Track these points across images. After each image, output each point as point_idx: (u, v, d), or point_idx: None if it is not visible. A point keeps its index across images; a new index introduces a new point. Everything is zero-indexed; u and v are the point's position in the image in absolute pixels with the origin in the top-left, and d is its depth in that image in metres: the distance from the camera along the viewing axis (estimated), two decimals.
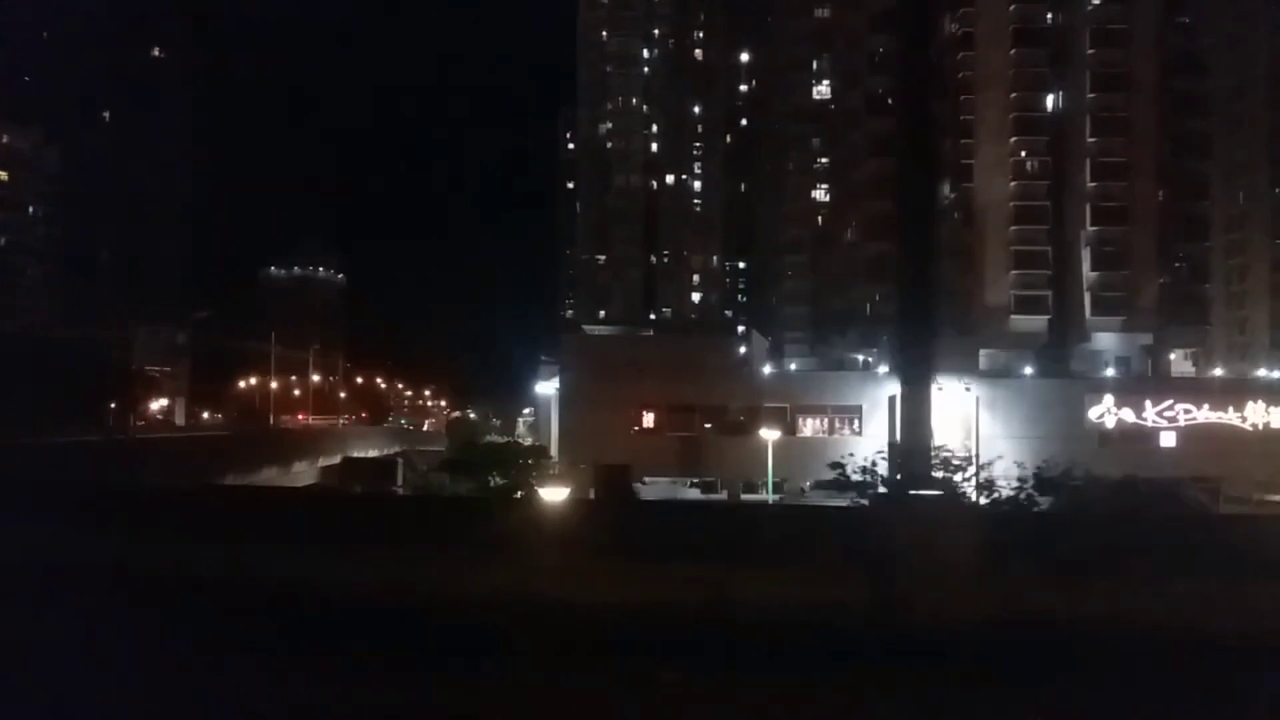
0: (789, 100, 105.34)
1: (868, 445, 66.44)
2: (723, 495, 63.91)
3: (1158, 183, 65.87)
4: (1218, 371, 71.20)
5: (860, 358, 75.97)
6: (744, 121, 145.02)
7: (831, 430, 65.43)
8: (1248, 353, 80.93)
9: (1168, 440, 63.56)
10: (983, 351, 66.63)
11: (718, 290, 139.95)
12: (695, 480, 65.21)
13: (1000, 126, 67.21)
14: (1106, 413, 63.95)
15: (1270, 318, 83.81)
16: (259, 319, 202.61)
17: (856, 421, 65.22)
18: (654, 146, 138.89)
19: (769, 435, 54.72)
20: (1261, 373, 69.98)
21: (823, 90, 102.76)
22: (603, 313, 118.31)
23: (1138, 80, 65.35)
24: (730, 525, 15.52)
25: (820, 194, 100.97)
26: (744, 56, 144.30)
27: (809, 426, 65.78)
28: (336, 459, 68.54)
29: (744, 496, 63.12)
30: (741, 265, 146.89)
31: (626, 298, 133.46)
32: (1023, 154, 66.96)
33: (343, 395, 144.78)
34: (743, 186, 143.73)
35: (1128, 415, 63.71)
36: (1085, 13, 66.66)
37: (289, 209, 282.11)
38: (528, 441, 68.74)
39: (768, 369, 69.25)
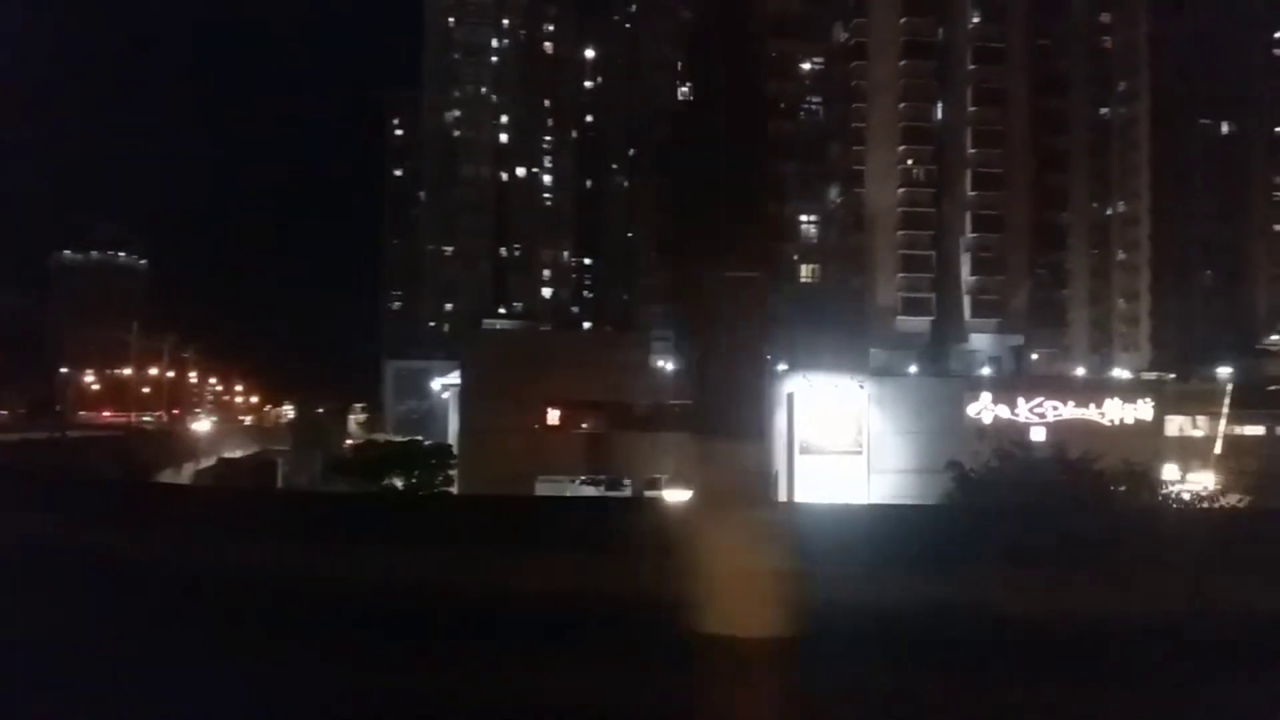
0: (653, 100, 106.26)
1: (770, 441, 68.05)
2: (626, 492, 63.98)
3: (1029, 193, 70.74)
4: (1080, 371, 77.26)
5: None
6: (589, 118, 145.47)
7: None
8: (1109, 353, 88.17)
9: (1038, 434, 68.03)
10: (871, 350, 69.43)
11: (568, 286, 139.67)
12: (585, 478, 64.88)
13: (890, 135, 70.33)
14: (984, 409, 67.87)
15: (1121, 322, 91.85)
16: (54, 305, 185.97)
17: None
18: (504, 138, 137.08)
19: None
20: (1117, 372, 76.21)
21: (686, 91, 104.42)
22: (502, 309, 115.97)
23: (1012, 97, 69.92)
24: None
25: None
26: (591, 52, 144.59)
27: None
28: (213, 460, 64.04)
29: (648, 494, 63.36)
30: (587, 261, 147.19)
31: (476, 290, 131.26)
32: (910, 162, 70.31)
33: (146, 390, 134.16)
34: (589, 183, 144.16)
35: (1003, 411, 67.82)
36: (967, 30, 70.68)
37: (88, 191, 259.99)
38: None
39: (670, 365, 69.54)
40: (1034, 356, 72.82)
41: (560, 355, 66.11)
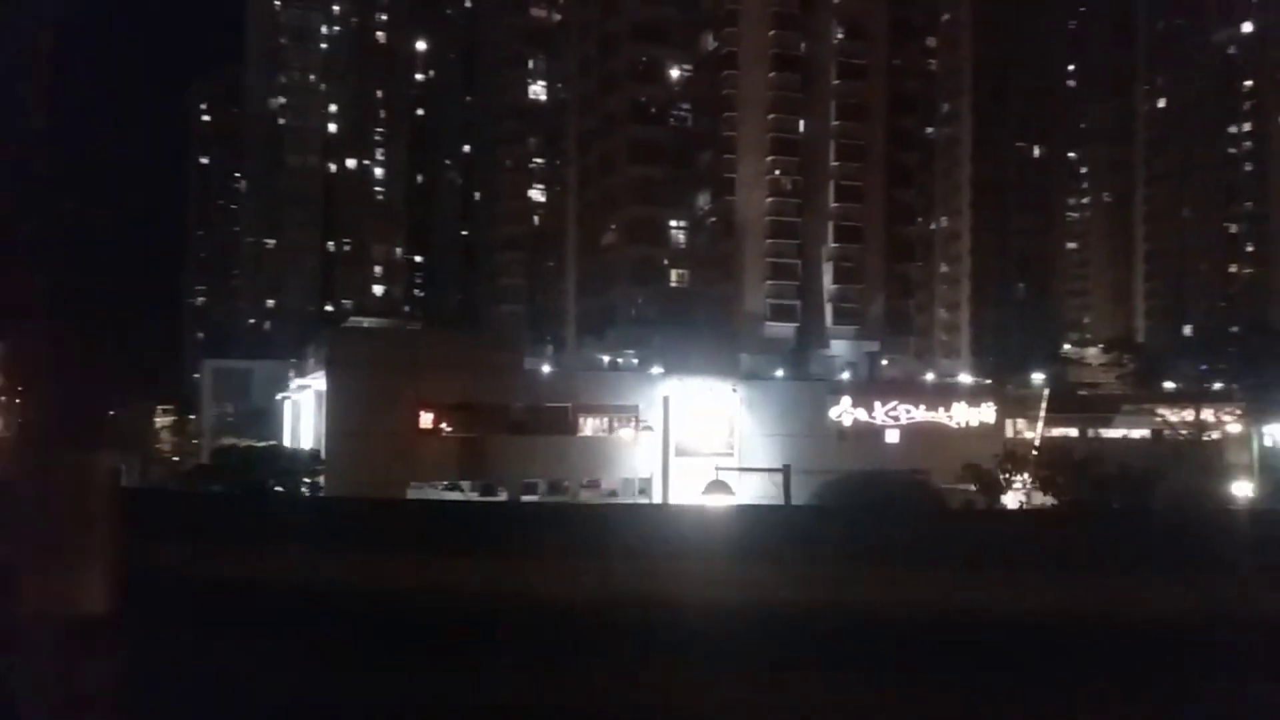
0: (503, 96, 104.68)
1: (643, 444, 68.24)
2: (503, 497, 62.81)
3: (884, 207, 74.18)
4: (930, 376, 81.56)
5: (606, 358, 77.47)
6: (421, 111, 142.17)
7: (611, 429, 66.27)
8: (932, 359, 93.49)
9: (892, 436, 71.45)
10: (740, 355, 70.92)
11: (400, 283, 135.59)
12: (449, 484, 63.32)
13: (759, 144, 71.98)
14: (844, 413, 70.58)
15: (943, 330, 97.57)
16: None
17: (634, 420, 66.61)
18: (333, 127, 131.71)
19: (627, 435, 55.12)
20: (963, 377, 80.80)
21: (537, 89, 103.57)
22: (353, 303, 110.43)
23: (872, 112, 73.09)
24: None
25: (537, 193, 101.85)
26: (423, 45, 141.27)
27: (589, 426, 66.13)
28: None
29: (524, 498, 62.44)
30: (418, 259, 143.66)
31: (302, 285, 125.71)
32: (777, 172, 72.20)
33: None
34: (420, 178, 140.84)
35: (861, 414, 70.78)
36: (832, 46, 73.32)
37: None
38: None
39: (546, 368, 68.63)
40: (884, 362, 76.31)
41: (432, 356, 64.01)
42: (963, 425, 72.65)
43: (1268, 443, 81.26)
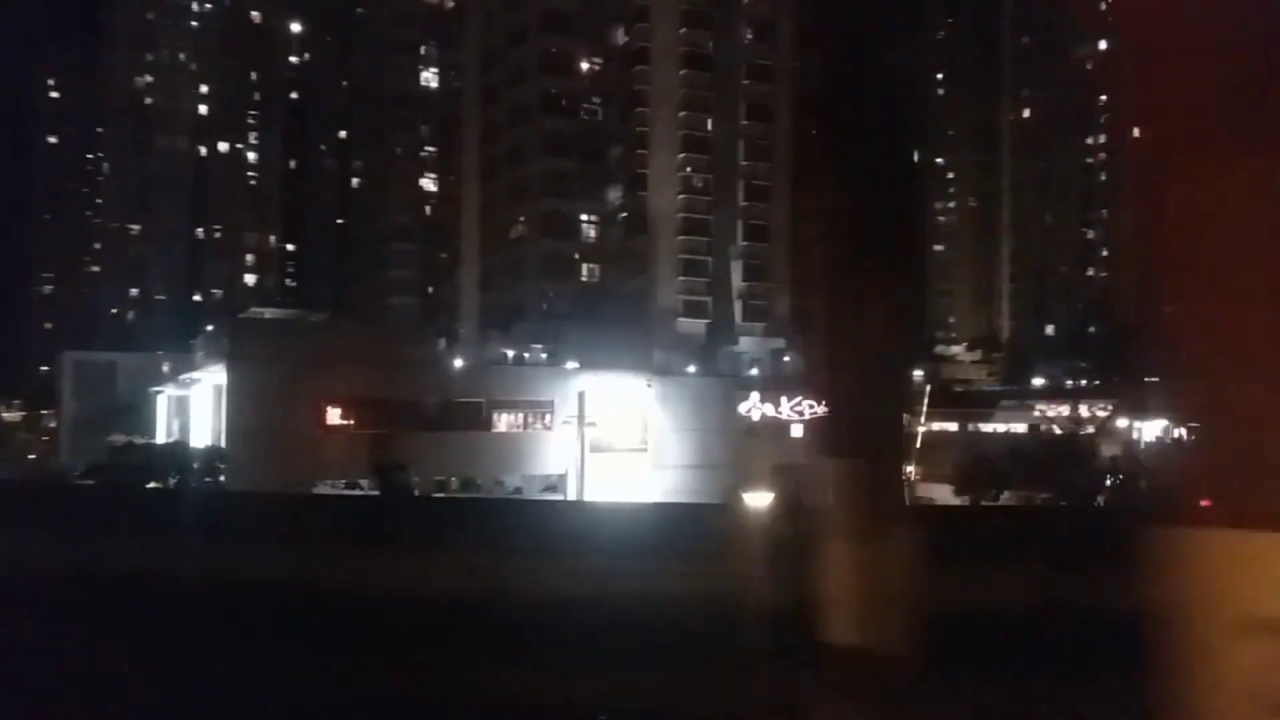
0: (392, 82, 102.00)
1: (559, 440, 68.05)
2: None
3: (791, 206, 75.52)
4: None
5: (510, 353, 76.42)
6: (295, 94, 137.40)
7: (526, 425, 65.43)
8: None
9: (797, 431, 72.99)
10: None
11: (275, 272, 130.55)
12: (348, 482, 61.45)
13: (671, 141, 72.22)
14: (753, 408, 71.71)
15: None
16: None
17: (549, 416, 65.95)
18: (204, 109, 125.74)
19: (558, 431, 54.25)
20: (917, 373, 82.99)
21: (429, 76, 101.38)
22: (224, 293, 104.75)
23: (779, 114, 74.30)
24: None
25: (429, 182, 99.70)
26: (299, 26, 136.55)
27: (504, 421, 65.12)
28: None
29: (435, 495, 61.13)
30: (292, 248, 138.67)
31: (167, 274, 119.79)
32: (689, 170, 72.63)
33: None
34: (294, 163, 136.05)
35: (769, 409, 72.03)
36: (741, 46, 74.19)
37: None
38: None
39: (459, 362, 67.14)
40: (786, 359, 77.86)
41: (340, 349, 61.71)
42: None
43: (1134, 436, 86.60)
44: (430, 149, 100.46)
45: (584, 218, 74.13)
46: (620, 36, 74.49)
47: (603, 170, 74.55)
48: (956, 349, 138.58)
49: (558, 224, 72.17)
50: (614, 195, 74.54)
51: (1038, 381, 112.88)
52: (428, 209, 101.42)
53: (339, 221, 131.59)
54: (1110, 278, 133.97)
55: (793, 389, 73.48)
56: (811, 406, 74.18)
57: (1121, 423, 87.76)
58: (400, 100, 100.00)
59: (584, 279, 73.56)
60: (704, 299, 72.75)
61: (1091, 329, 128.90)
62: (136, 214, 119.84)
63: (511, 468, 65.01)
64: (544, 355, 74.09)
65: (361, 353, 62.15)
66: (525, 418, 66.09)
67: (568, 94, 72.99)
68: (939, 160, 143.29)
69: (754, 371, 73.67)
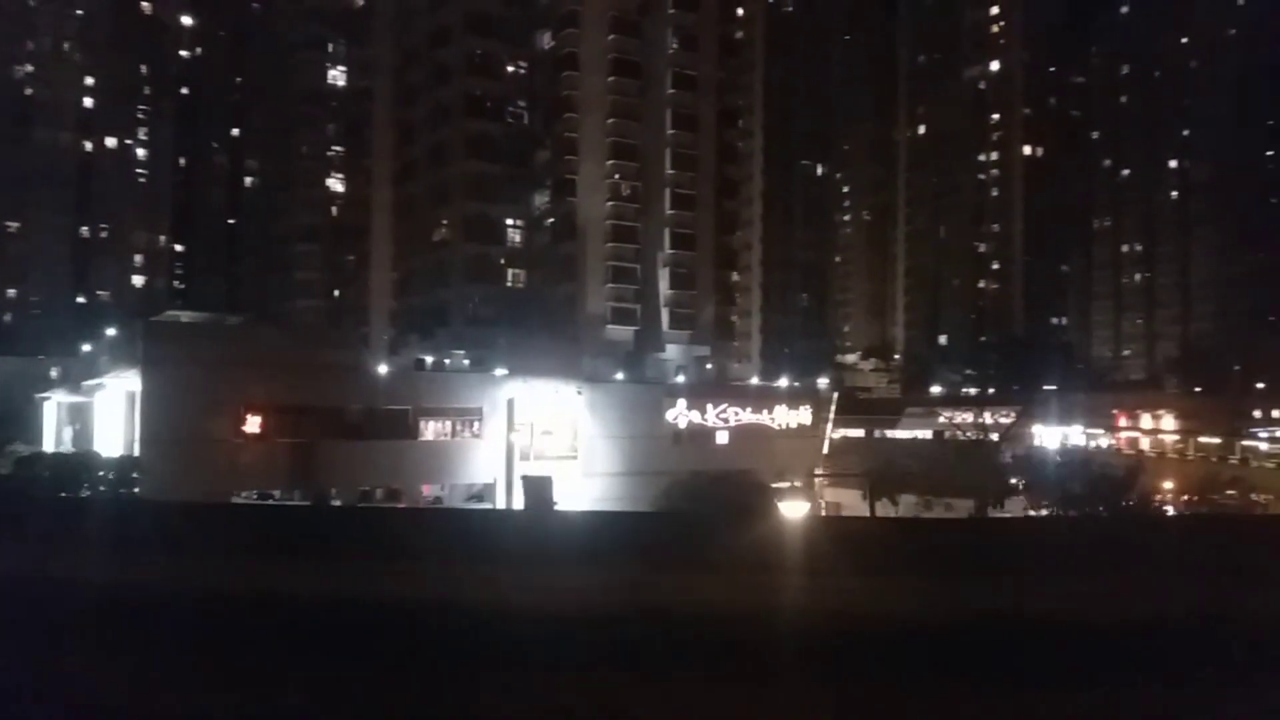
0: (297, 80, 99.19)
1: (488, 448, 67.24)
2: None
3: (715, 216, 76.28)
4: (755, 379, 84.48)
5: (428, 358, 74.93)
6: (185, 90, 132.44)
7: (453, 433, 64.16)
8: (748, 363, 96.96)
9: (722, 438, 73.68)
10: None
11: (164, 274, 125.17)
12: (259, 493, 59.35)
13: (600, 148, 71.97)
14: (680, 415, 72.04)
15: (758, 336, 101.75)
16: None
17: (477, 424, 64.84)
18: (89, 102, 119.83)
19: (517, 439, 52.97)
20: (783, 382, 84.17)
21: (336, 75, 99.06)
22: (110, 294, 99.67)
23: (704, 124, 74.97)
24: None
25: (335, 183, 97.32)
26: (188, 19, 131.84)
27: (430, 429, 63.71)
28: None
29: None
30: (180, 248, 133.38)
31: (51, 274, 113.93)
32: (617, 177, 72.49)
33: None
34: (183, 160, 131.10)
35: (695, 417, 72.45)
36: (667, 55, 74.52)
37: None
38: None
39: (384, 368, 65.35)
40: (709, 366, 78.54)
41: (261, 354, 59.33)
42: (784, 426, 75.96)
43: (1037, 441, 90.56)
44: (338, 149, 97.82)
45: (510, 222, 73.23)
46: (547, 41, 73.97)
47: (529, 174, 73.84)
48: (852, 357, 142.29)
49: (483, 228, 71.10)
50: (540, 200, 73.91)
51: (935, 389, 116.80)
52: (334, 210, 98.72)
53: (231, 222, 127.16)
54: (1000, 289, 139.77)
55: (718, 396, 74.15)
56: (736, 413, 75.18)
57: (1025, 428, 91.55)
58: (307, 98, 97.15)
59: (510, 284, 72.64)
60: (632, 306, 72.68)
61: (982, 338, 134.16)
62: (15, 211, 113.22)
63: (439, 477, 63.66)
64: (466, 361, 72.87)
65: (283, 357, 59.99)
66: (453, 426, 64.77)
67: (493, 96, 72.06)
68: (837, 175, 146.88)
69: (680, 379, 74.01)
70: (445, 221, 73.12)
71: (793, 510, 20.66)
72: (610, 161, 72.12)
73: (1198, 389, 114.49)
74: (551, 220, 73.12)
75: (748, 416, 74.86)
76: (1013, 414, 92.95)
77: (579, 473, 67.32)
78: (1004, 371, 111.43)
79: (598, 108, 71.95)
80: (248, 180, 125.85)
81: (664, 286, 74.10)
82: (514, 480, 64.64)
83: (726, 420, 74.01)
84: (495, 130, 71.64)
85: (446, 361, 73.41)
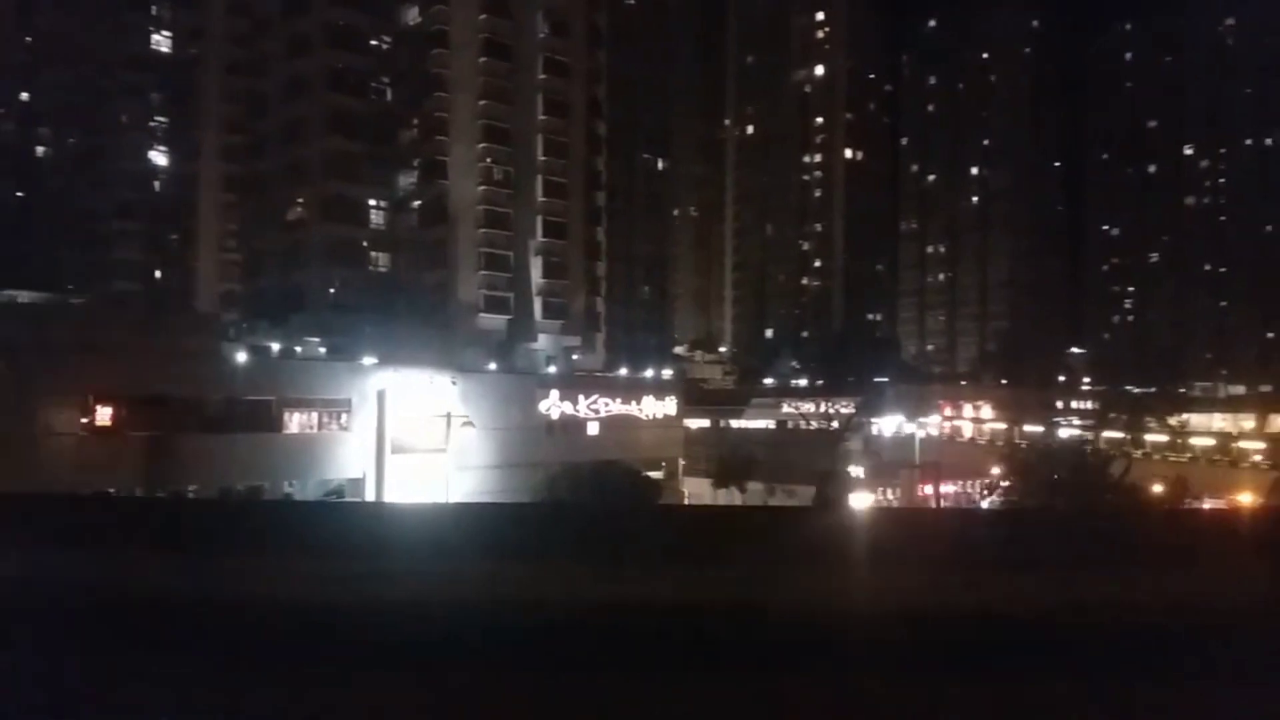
0: (110, 45, 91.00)
1: (356, 441, 64.79)
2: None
3: (584, 205, 75.28)
4: (623, 370, 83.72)
5: (276, 345, 70.48)
6: None
7: (320, 425, 60.67)
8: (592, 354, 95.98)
9: (593, 429, 73.27)
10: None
11: None
12: (95, 493, 54.36)
13: (471, 130, 69.46)
14: (553, 406, 71.08)
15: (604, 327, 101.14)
16: None
17: (345, 416, 61.60)
18: None
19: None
20: (649, 373, 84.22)
21: (160, 41, 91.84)
22: None
23: (575, 111, 73.79)
24: None
25: (159, 156, 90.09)
26: None
27: (295, 422, 59.95)
28: None
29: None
30: None
31: None
32: (489, 160, 70.19)
33: None
34: None
35: (567, 408, 71.70)
36: (538, 40, 72.86)
37: None
38: None
39: (242, 356, 60.75)
40: (575, 357, 77.73)
41: (110, 339, 53.97)
42: (651, 417, 76.27)
43: (874, 431, 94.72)
44: (162, 119, 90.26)
45: (373, 203, 69.61)
46: (413, 16, 70.80)
47: (393, 154, 70.44)
48: (680, 349, 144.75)
49: (344, 208, 67.17)
50: (406, 181, 70.65)
51: (768, 381, 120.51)
52: (156, 185, 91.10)
53: (19, 194, 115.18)
54: (822, 286, 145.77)
55: (589, 387, 73.49)
56: (606, 404, 74.82)
57: (864, 418, 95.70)
58: (126, 64, 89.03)
59: (373, 268, 69.10)
60: (506, 295, 70.70)
61: (805, 333, 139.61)
62: None
63: (305, 472, 59.97)
64: (322, 349, 68.95)
65: (135, 344, 54.90)
66: (320, 418, 61.16)
67: (357, 71, 68.23)
68: (675, 170, 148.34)
69: (552, 369, 72.85)
70: (301, 200, 68.61)
71: (860, 501, 20.42)
72: (482, 144, 69.78)
73: (1004, 381, 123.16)
74: (419, 203, 70.04)
75: (617, 407, 74.68)
76: (853, 405, 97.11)
77: (452, 466, 65.05)
78: (834, 365, 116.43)
79: (469, 88, 69.46)
80: (40, 150, 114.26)
81: (536, 275, 72.53)
82: (384, 474, 62.01)
83: (597, 411, 73.54)
84: (358, 106, 67.88)
85: (298, 350, 69.22)
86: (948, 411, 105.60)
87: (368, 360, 63.39)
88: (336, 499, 60.65)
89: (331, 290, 67.37)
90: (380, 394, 61.66)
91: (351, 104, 67.92)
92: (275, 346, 69.57)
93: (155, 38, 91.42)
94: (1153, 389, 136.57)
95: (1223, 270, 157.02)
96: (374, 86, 69.81)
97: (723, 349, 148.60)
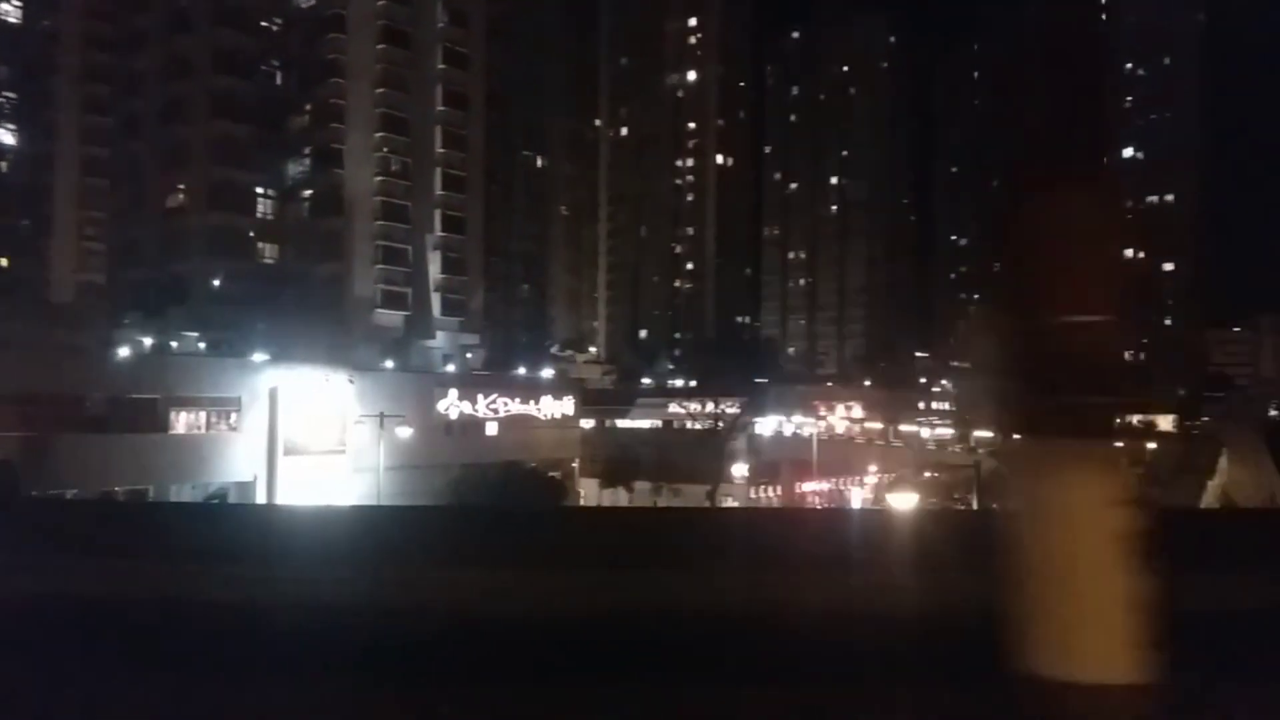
0: None
1: (247, 442, 62.28)
2: None
3: (484, 200, 73.42)
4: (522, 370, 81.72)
5: (147, 340, 66.04)
6: None
7: (209, 426, 57.18)
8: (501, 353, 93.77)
9: (492, 429, 71.79)
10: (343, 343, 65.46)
11: None
12: None
13: (369, 119, 66.67)
14: (451, 405, 69.24)
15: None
16: None
17: (235, 415, 58.24)
18: None
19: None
20: (548, 372, 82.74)
21: (8, 10, 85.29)
22: None
23: (475, 103, 71.85)
24: None
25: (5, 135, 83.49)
26: None
27: (183, 421, 56.27)
28: None
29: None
30: None
31: None
32: (386, 150, 67.55)
33: None
34: None
35: (466, 407, 69.97)
36: (436, 29, 70.63)
37: None
38: None
39: (125, 351, 56.57)
40: (469, 355, 75.95)
41: None
42: (549, 417, 75.23)
43: (757, 430, 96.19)
44: (9, 95, 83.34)
45: (261, 191, 65.98)
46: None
47: (284, 141, 66.99)
48: (554, 349, 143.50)
49: (230, 196, 63.41)
50: (296, 169, 67.28)
51: (646, 381, 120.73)
52: (2, 165, 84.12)
53: None
54: (694, 289, 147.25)
55: (488, 386, 71.84)
56: (505, 404, 73.33)
57: (748, 418, 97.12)
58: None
59: (261, 260, 65.47)
60: (403, 290, 68.17)
61: (678, 335, 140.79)
62: None
63: (192, 474, 56.34)
64: (202, 344, 65.01)
65: (7, 338, 50.45)
66: (209, 417, 57.57)
67: (246, 52, 64.58)
68: (552, 168, 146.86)
69: (450, 368, 70.90)
70: (183, 187, 64.38)
71: (901, 501, 20.38)
72: (380, 134, 67.15)
73: (867, 383, 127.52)
74: (311, 192, 66.81)
75: (516, 407, 73.28)
76: (738, 405, 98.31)
77: (349, 467, 62.54)
78: (712, 366, 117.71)
79: (366, 75, 66.72)
80: None
81: (434, 270, 70.29)
82: (277, 477, 58.95)
83: (496, 411, 71.97)
84: (247, 89, 64.27)
85: (174, 345, 64.96)
86: (822, 411, 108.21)
87: (258, 357, 60.08)
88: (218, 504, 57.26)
89: (215, 283, 63.46)
90: (273, 392, 58.54)
91: (240, 86, 64.26)
92: (147, 341, 65.11)
93: (3, 6, 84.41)
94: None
95: None
96: (264, 69, 66.20)
97: (593, 349, 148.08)
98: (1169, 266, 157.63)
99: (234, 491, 58.30)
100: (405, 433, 59.39)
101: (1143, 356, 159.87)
